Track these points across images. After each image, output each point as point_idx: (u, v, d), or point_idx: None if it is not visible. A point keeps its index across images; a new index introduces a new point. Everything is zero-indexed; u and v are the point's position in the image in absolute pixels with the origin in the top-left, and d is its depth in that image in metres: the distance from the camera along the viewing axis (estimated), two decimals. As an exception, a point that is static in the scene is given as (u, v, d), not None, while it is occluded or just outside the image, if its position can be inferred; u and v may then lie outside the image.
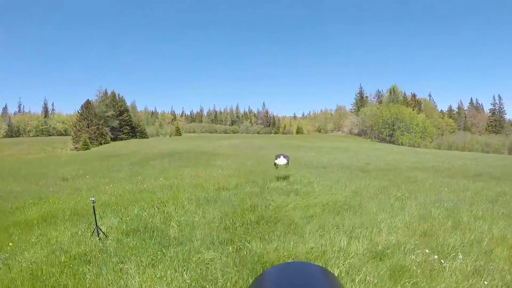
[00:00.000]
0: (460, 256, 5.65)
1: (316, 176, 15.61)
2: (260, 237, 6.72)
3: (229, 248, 6.08)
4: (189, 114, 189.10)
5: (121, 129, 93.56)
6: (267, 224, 7.71)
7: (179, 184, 13.25)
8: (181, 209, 9.13)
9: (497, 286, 4.84)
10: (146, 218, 8.22)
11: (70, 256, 5.80)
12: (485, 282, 4.86)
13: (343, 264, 5.28)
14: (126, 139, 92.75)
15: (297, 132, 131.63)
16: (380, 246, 6.14)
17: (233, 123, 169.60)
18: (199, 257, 5.63)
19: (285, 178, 14.28)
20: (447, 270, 5.22)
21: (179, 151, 36.42)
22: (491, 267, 5.39)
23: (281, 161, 13.15)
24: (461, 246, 6.33)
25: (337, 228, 7.27)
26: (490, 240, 6.71)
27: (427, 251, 5.88)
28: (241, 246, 6.18)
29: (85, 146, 67.86)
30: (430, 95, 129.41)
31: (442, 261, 5.52)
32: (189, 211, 8.92)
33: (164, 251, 5.92)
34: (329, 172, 17.44)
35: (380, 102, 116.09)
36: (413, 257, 5.64)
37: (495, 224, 7.90)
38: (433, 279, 4.94)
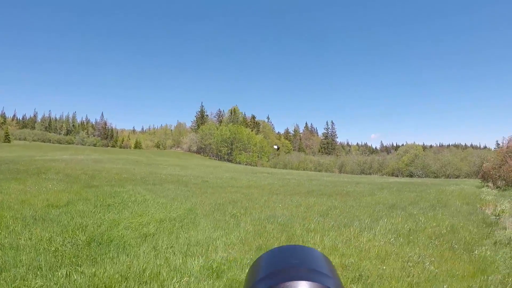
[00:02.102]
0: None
1: (152, 193, 15.21)
2: (92, 260, 6.41)
3: (58, 274, 5.62)
4: (21, 119, 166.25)
5: None
6: (99, 245, 7.37)
7: (4, 200, 11.57)
8: (5, 229, 8.12)
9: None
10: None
11: None
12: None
13: (179, 284, 5.31)
14: None
15: (136, 147, 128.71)
16: (216, 263, 6.23)
17: (68, 132, 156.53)
18: (26, 285, 5.16)
19: (119, 194, 13.61)
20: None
21: (6, 161, 31.60)
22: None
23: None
24: (296, 258, 6.69)
25: (171, 247, 7.26)
26: (323, 250, 7.37)
27: (262, 265, 6.03)
28: (71, 271, 5.75)
29: None
30: (268, 118, 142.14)
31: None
32: (14, 231, 7.99)
33: (-15, 280, 5.24)
34: (166, 189, 17.16)
35: (220, 122, 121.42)
36: (248, 271, 5.70)
37: (327, 235, 8.76)
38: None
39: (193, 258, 6.44)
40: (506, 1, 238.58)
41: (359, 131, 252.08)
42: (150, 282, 5.42)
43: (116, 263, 6.13)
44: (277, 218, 10.81)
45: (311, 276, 0.56)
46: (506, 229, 10.42)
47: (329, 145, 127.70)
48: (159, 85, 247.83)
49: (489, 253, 8.03)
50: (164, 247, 7.24)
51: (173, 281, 5.38)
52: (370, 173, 76.27)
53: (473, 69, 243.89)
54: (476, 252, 8.05)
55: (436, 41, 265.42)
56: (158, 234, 8.33)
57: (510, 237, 9.32)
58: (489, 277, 6.33)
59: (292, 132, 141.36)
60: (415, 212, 12.95)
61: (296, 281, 0.54)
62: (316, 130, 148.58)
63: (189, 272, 5.79)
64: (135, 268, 5.88)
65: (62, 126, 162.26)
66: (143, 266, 6.01)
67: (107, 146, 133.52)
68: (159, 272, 5.74)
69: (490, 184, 27.88)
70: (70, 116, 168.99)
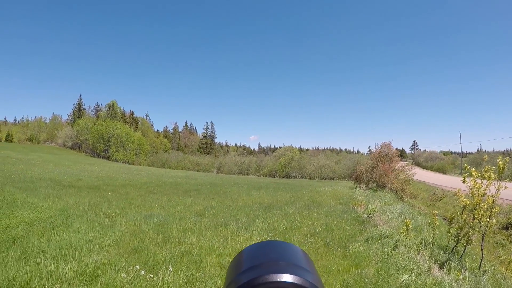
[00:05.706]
0: (171, 269, 5.90)
1: (22, 192, 13.82)
2: None
3: None
4: None
5: None
6: None
7: None
8: None
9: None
10: None
11: None
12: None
13: (52, 291, 4.91)
14: None
15: (7, 140, 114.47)
16: (90, 267, 5.90)
17: None
18: None
19: None
20: (159, 284, 5.35)
21: None
22: (202, 274, 5.90)
23: None
24: (172, 259, 6.70)
25: (43, 251, 6.69)
26: (200, 250, 7.41)
27: (138, 267, 5.93)
28: None
29: None
30: (147, 115, 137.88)
31: (152, 275, 5.70)
32: None
33: None
34: (37, 188, 15.76)
35: (98, 116, 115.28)
36: (124, 275, 5.55)
37: (203, 235, 8.81)
38: (147, 294, 4.98)
39: (66, 263, 5.99)
40: None
41: (238, 132, 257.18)
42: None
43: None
44: (154, 218, 10.61)
45: (291, 270, 0.59)
46: (377, 226, 11.50)
47: (208, 145, 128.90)
48: (35, 72, 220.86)
49: (362, 248, 8.76)
50: (34, 251, 6.64)
51: (46, 288, 4.93)
52: (248, 174, 78.16)
53: (346, 80, 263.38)
54: (350, 248, 8.72)
55: (309, 49, 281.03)
56: (28, 237, 7.65)
57: (381, 234, 10.32)
58: (363, 271, 6.92)
59: (171, 130, 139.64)
60: (291, 212, 13.66)
61: (277, 274, 0.57)
62: (196, 130, 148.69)
63: (61, 278, 5.38)
64: (3, 276, 5.31)
65: None
66: (12, 273, 5.43)
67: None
68: (30, 279, 5.24)
69: (363, 185, 30.59)
70: None
